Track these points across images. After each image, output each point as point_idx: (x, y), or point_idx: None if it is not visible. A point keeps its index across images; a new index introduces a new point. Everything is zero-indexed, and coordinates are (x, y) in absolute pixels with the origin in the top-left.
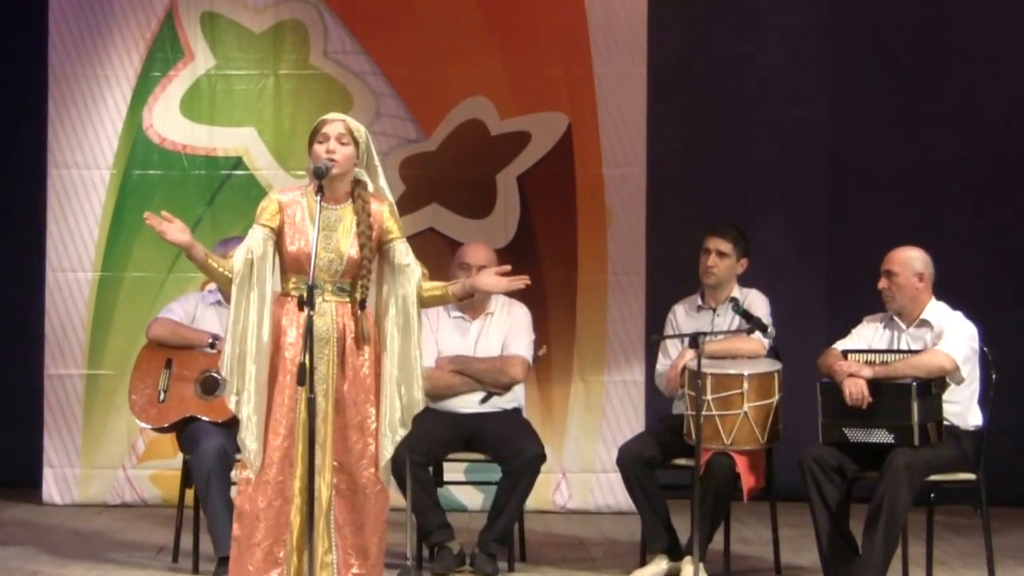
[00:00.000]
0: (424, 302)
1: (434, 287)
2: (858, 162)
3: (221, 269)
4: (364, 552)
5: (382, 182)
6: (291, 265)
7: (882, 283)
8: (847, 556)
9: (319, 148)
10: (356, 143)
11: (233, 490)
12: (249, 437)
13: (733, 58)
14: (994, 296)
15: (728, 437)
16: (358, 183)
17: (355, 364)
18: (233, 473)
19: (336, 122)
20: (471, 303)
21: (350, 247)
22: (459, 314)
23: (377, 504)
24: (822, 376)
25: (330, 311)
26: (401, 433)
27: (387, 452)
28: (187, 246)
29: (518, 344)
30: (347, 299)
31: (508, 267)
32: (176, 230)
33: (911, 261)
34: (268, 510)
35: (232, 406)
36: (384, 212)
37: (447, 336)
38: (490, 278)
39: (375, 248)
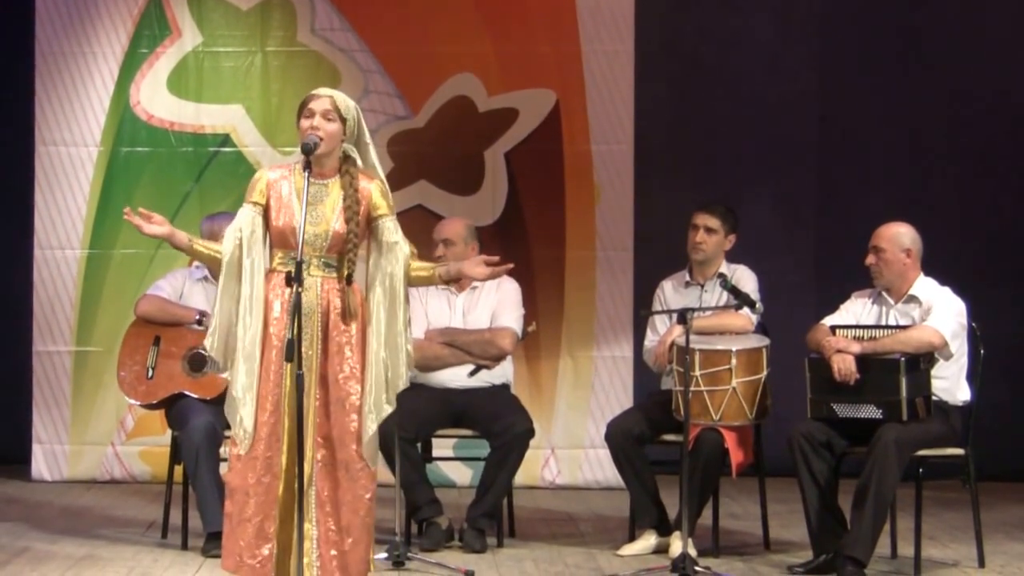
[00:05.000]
0: (411, 281)
1: (422, 267)
2: (846, 138)
3: (209, 251)
4: (346, 529)
5: (374, 159)
6: (277, 240)
7: (869, 259)
8: (836, 531)
9: (305, 123)
10: (343, 120)
11: (223, 467)
12: (246, 414)
13: (720, 34)
14: (981, 272)
15: (716, 413)
16: (346, 159)
17: (339, 340)
18: (223, 450)
19: (323, 98)
20: None
21: (335, 221)
22: (445, 286)
23: (360, 481)
24: (810, 352)
25: (315, 286)
26: (387, 410)
27: (370, 429)
28: (167, 236)
29: (507, 317)
30: (334, 275)
31: (496, 258)
32: (150, 224)
33: (899, 237)
34: (258, 486)
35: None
36: (373, 189)
37: (435, 308)
38: (476, 267)
39: (363, 224)
